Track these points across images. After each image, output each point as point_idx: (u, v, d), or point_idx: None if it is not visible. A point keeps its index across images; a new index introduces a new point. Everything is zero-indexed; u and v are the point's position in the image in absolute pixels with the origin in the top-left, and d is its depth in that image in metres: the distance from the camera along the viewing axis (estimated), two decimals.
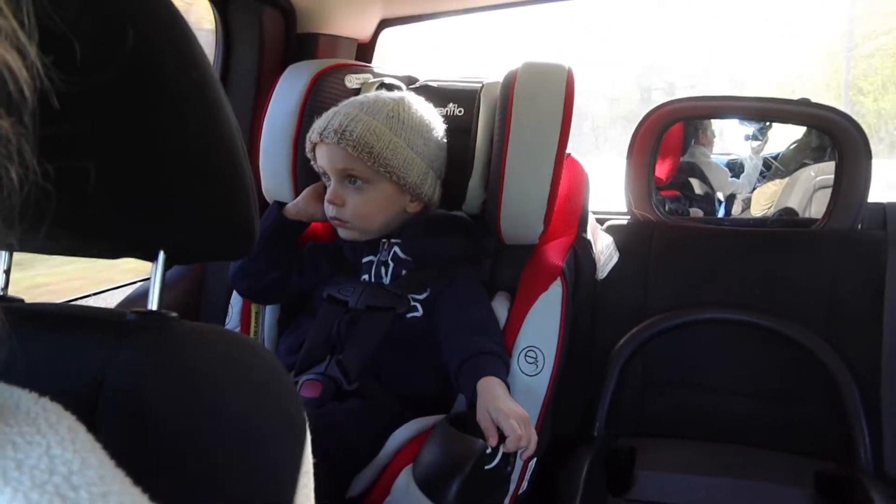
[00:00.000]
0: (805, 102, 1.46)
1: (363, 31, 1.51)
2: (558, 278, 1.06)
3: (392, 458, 0.91)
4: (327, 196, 1.08)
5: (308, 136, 1.09)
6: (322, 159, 1.08)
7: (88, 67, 0.37)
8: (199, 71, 0.43)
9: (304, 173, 1.16)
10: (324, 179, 1.13)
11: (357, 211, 1.07)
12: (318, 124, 1.07)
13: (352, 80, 1.23)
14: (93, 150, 0.39)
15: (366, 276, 1.09)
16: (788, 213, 1.99)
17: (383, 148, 1.04)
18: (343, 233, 1.10)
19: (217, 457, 0.39)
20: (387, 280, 1.08)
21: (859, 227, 1.37)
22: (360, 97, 1.12)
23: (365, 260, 1.10)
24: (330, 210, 1.08)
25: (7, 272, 0.50)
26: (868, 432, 1.22)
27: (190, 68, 0.42)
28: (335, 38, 1.44)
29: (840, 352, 1.28)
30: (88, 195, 0.40)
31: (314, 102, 1.17)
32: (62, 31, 0.34)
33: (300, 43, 1.39)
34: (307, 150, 1.11)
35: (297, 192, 1.17)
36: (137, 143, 0.41)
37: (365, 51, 1.55)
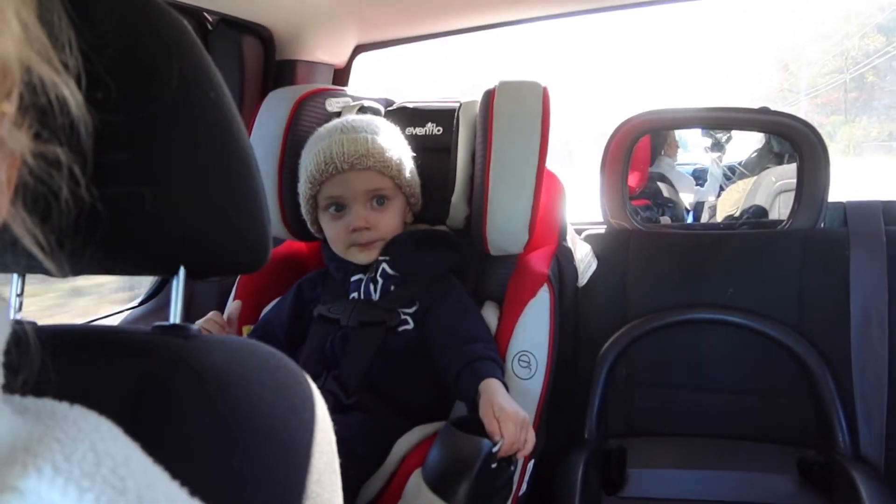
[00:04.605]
0: (765, 111, 1.53)
1: (339, 57, 1.55)
2: (545, 284, 1.10)
3: (400, 463, 0.92)
4: (355, 224, 1.07)
5: (312, 172, 1.08)
6: (341, 188, 1.08)
7: (133, 103, 0.40)
8: (215, 90, 0.45)
9: (290, 197, 1.18)
10: (327, 213, 1.11)
11: (388, 229, 1.10)
12: (325, 156, 1.07)
13: (332, 104, 1.25)
14: (138, 174, 0.41)
15: (355, 294, 1.11)
16: (758, 210, 2.06)
17: (400, 161, 1.09)
18: (367, 256, 1.10)
19: (252, 459, 0.40)
20: (376, 296, 1.10)
21: (822, 225, 1.44)
22: (344, 119, 1.15)
23: (354, 279, 1.11)
24: (356, 237, 1.08)
25: (20, 296, 0.52)
26: (844, 418, 1.28)
27: (208, 87, 0.45)
28: (313, 64, 1.47)
29: (813, 343, 1.33)
30: (123, 217, 0.42)
31: (297, 127, 1.20)
32: (106, 72, 0.37)
33: (279, 69, 1.42)
34: (308, 188, 1.10)
35: (284, 216, 1.19)
36: (164, 162, 0.43)
37: (341, 76, 1.59)
